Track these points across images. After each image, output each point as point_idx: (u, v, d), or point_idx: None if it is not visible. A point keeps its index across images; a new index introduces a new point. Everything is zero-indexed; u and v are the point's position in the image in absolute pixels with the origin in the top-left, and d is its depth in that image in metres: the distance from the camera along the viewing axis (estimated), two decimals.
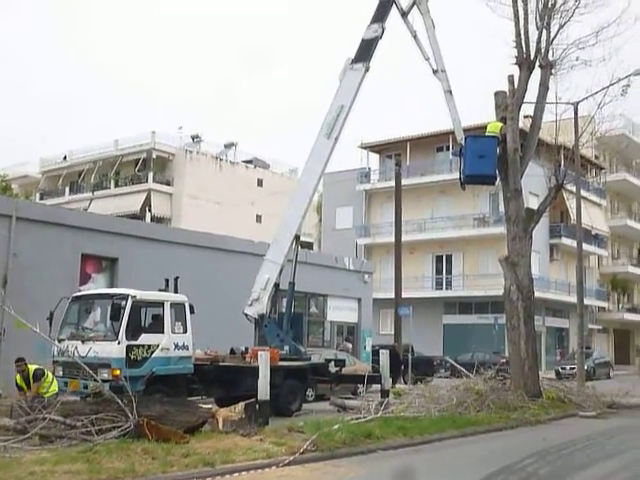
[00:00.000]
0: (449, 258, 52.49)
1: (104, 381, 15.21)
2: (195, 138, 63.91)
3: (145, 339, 17.03)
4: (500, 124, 19.89)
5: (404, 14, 20.70)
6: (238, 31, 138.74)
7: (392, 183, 39.16)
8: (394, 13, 20.89)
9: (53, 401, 14.00)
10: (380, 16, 20.82)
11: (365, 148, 56.34)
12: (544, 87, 20.43)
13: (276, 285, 21.03)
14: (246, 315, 20.93)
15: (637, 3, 19.11)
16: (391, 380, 22.57)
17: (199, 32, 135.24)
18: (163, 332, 17.47)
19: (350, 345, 34.57)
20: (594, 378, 39.02)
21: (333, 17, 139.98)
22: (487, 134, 19.97)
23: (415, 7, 20.61)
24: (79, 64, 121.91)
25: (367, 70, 20.64)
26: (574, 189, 30.93)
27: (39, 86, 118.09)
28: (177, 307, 18.07)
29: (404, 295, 35.89)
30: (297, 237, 21.34)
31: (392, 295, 35.38)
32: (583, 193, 38.31)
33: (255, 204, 61.89)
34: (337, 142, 20.69)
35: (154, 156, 59.56)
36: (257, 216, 62.20)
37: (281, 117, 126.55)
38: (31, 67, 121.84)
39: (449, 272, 52.35)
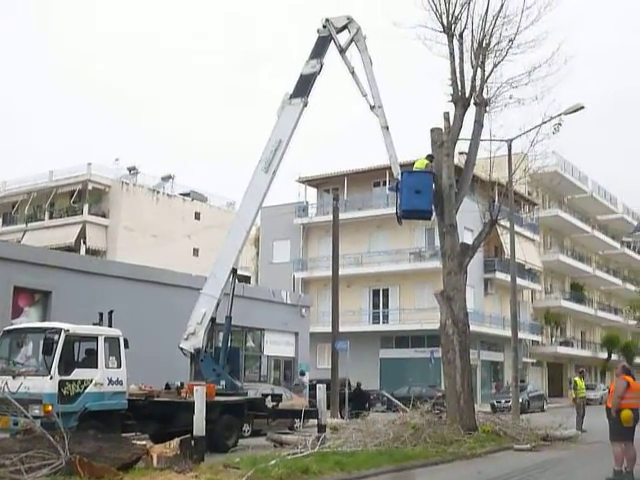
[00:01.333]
0: (386, 292, 52.78)
1: (35, 417, 14.87)
2: (132, 170, 63.39)
3: (78, 374, 16.69)
4: (426, 161, 20.16)
5: (342, 50, 20.95)
6: (176, 62, 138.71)
7: (330, 217, 39.34)
8: (333, 49, 21.15)
9: None
10: (318, 52, 21.06)
11: (303, 182, 56.55)
12: (479, 124, 20.83)
13: (213, 319, 20.87)
14: (182, 349, 20.71)
15: (567, 45, 19.73)
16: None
17: (139, 62, 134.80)
18: (97, 367, 17.16)
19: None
20: (529, 411, 39.46)
21: (269, 58, 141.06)
22: (415, 169, 20.23)
23: (353, 44, 20.88)
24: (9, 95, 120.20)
25: (305, 105, 20.81)
26: (508, 224, 31.45)
27: None
28: (111, 341, 17.77)
29: (341, 329, 35.93)
30: (234, 270, 21.25)
31: (329, 329, 35.39)
32: (517, 228, 38.93)
33: (192, 237, 61.53)
34: (275, 176, 20.77)
35: (90, 188, 58.89)
36: (194, 249, 61.81)
37: (220, 151, 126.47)
38: None
39: (386, 306, 52.60)
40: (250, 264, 64.98)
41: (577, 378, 29.79)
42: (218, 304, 20.87)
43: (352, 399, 33.29)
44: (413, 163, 20.15)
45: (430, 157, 20.13)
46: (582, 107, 27.21)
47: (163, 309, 26.78)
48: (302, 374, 34.79)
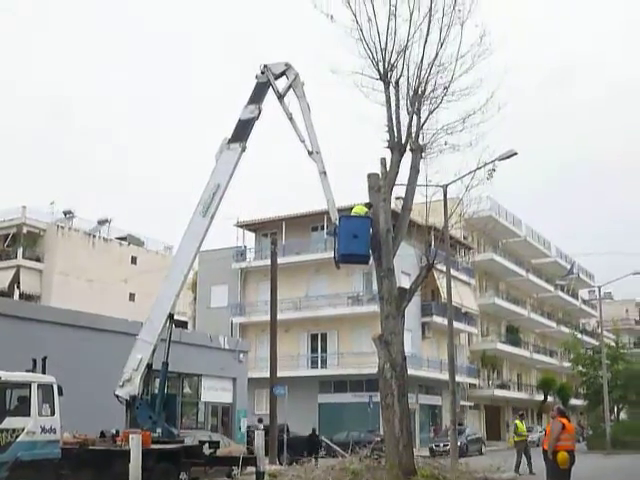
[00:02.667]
0: (324, 336, 52.76)
1: None
2: (67, 213, 62.65)
3: (10, 423, 16.25)
4: (365, 208, 20.29)
5: (280, 96, 21.13)
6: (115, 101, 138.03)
7: (268, 261, 39.30)
8: (272, 94, 21.33)
9: None
10: (257, 97, 21.23)
11: (241, 226, 56.51)
12: (415, 170, 21.04)
13: (149, 365, 20.57)
14: (117, 396, 20.34)
15: (500, 93, 20.16)
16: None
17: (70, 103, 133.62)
18: (29, 415, 16.72)
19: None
20: (467, 454, 39.58)
21: (210, 101, 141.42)
22: (353, 214, 20.37)
23: (291, 90, 21.09)
24: None
25: (244, 150, 20.92)
26: (444, 268, 31.78)
27: None
28: (44, 389, 17.35)
29: (279, 374, 35.72)
30: (171, 316, 21.04)
31: (267, 374, 35.15)
32: (453, 272, 39.44)
33: (129, 282, 60.84)
34: (213, 220, 20.74)
35: (24, 231, 57.95)
36: (130, 294, 61.11)
37: (157, 194, 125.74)
38: None
39: (324, 350, 52.55)
40: (187, 309, 64.47)
41: (518, 421, 30.01)
42: (154, 350, 20.59)
43: (307, 444, 32.94)
44: (351, 208, 20.26)
45: (368, 205, 20.29)
46: (515, 153, 27.77)
47: (98, 355, 26.35)
48: (260, 421, 34.27)
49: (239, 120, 21.07)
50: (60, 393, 17.61)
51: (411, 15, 20.00)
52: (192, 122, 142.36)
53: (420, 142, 21.06)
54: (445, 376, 42.12)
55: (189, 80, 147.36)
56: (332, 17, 19.58)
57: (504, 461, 24.23)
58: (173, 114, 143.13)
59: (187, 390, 33.72)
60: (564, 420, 14.92)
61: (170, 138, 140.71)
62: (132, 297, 60.79)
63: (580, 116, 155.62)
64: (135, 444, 15.58)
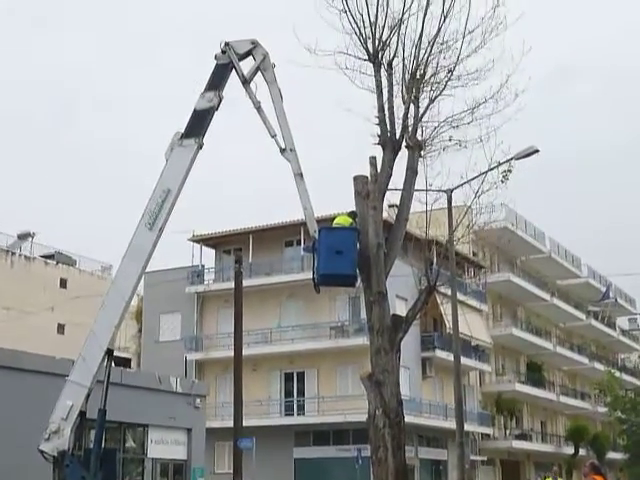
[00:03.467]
0: (301, 376, 52.78)
1: None
2: None
3: None
4: (349, 218, 20.34)
5: (246, 81, 21.10)
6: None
7: (231, 284, 39.31)
8: (235, 79, 21.36)
9: None
10: (217, 82, 21.18)
11: (198, 241, 56.45)
12: (412, 171, 21.06)
13: (82, 413, 20.49)
14: (42, 452, 20.24)
15: (516, 77, 20.19)
16: None
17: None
18: None
19: None
20: None
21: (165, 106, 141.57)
22: (335, 226, 20.41)
23: (260, 74, 21.12)
24: None
25: (200, 147, 20.84)
26: (449, 292, 31.96)
27: None
28: None
29: (246, 423, 35.70)
30: (110, 352, 20.97)
31: (230, 423, 35.15)
32: (460, 296, 39.62)
33: (57, 310, 60.67)
34: (161, 234, 20.72)
35: None
36: (59, 325, 61.01)
37: (92, 205, 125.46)
38: None
39: (301, 393, 52.59)
40: (130, 343, 64.35)
41: (551, 478, 30.12)
42: (89, 395, 20.52)
43: None
44: (333, 218, 20.34)
45: (353, 214, 20.35)
46: (536, 150, 28.06)
47: (18, 401, 26.30)
48: None
49: (194, 111, 21.01)
50: None
51: None
52: (136, 116, 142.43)
53: (418, 137, 21.16)
54: (451, 424, 42.15)
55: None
56: None
57: None
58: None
59: (130, 444, 33.65)
60: (599, 478, 15.05)
61: (110, 133, 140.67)
62: (61, 329, 60.66)
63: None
64: None
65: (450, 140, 21.51)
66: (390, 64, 20.89)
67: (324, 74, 20.36)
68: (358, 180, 21.03)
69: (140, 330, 61.29)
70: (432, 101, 21.10)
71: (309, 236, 21.19)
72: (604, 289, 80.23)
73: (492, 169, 22.52)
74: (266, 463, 41.16)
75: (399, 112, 20.91)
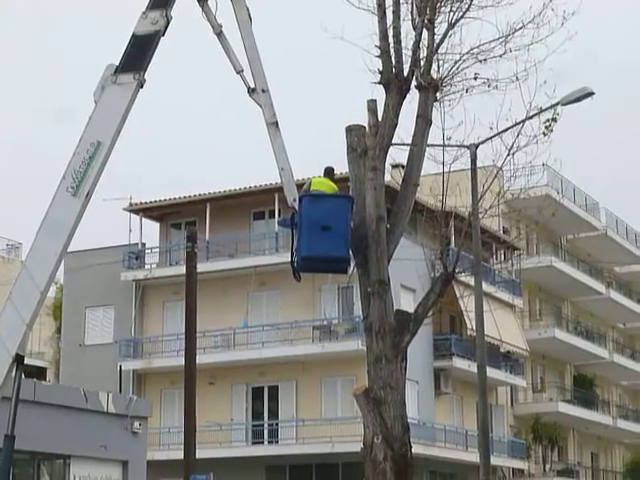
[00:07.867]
0: (274, 392, 52.85)
1: None
2: None
3: None
4: (331, 184, 20.04)
5: None
6: None
7: (181, 269, 39.26)
8: None
9: None
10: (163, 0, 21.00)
11: (137, 212, 56.11)
12: (424, 119, 20.90)
13: None
14: None
15: None
16: None
17: None
18: None
19: None
20: None
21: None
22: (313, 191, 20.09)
23: None
24: None
25: (141, 85, 20.54)
26: (472, 281, 31.92)
27: None
28: None
29: (200, 454, 35.66)
30: (19, 359, 20.85)
31: (180, 455, 35.10)
32: (486, 287, 39.63)
33: None
34: (89, 202, 20.52)
35: None
36: None
37: None
38: None
39: (274, 415, 52.64)
40: (46, 347, 64.28)
41: None
42: None
43: None
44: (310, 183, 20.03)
45: (330, 171, 20.13)
46: (591, 93, 27.98)
47: None
48: None
49: (133, 36, 20.67)
50: None
51: None
52: None
53: (433, 74, 21.05)
54: (473, 456, 42.30)
55: None
56: None
57: None
58: None
59: None
60: None
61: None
62: None
63: None
64: None
65: (476, 79, 21.36)
66: None
67: None
68: (353, 132, 20.85)
69: (59, 330, 61.18)
70: (452, 25, 20.89)
71: (286, 206, 21.07)
72: None
73: (531, 117, 22.40)
74: None
75: (408, 41, 20.75)
